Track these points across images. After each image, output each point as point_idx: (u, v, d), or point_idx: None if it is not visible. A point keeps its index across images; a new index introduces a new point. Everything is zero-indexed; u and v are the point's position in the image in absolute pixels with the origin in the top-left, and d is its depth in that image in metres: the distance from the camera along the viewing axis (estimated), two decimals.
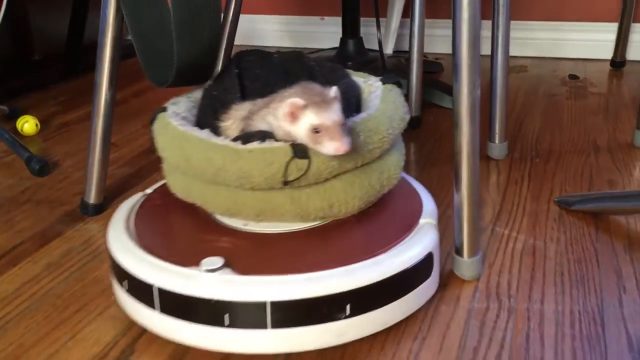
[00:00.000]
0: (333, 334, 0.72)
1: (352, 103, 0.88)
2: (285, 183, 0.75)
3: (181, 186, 0.85)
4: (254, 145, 0.76)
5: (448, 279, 0.87)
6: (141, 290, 0.75)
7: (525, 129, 1.43)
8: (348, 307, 0.72)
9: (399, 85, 0.94)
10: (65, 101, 1.70)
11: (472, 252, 0.86)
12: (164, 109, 0.89)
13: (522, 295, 0.84)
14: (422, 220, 0.84)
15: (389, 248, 0.77)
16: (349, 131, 0.75)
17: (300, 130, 0.74)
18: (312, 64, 0.99)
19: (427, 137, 1.39)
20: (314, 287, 0.70)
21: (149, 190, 0.95)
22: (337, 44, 1.85)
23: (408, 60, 1.43)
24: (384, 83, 0.93)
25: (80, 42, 1.89)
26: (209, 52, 0.98)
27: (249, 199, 0.79)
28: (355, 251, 0.77)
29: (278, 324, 0.70)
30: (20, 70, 1.75)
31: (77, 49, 1.89)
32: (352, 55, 1.80)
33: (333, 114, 0.73)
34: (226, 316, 0.70)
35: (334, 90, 0.75)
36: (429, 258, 0.79)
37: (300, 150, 0.75)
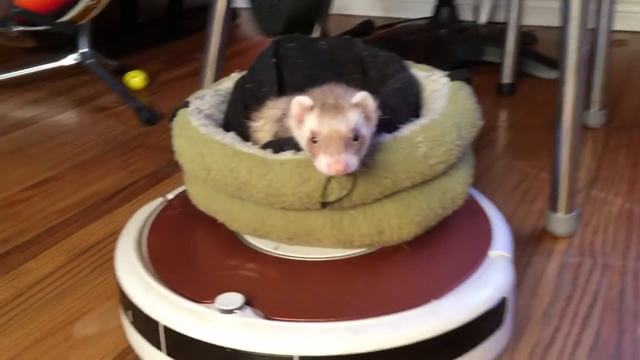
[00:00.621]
0: None
1: (410, 104, 0.72)
2: (324, 205, 0.61)
3: (203, 198, 0.72)
4: (287, 155, 0.63)
5: (541, 235, 0.89)
6: (146, 326, 0.63)
7: (623, 101, 1.38)
8: None
9: (469, 82, 0.78)
10: (166, 60, 1.81)
11: (569, 208, 0.86)
12: (186, 104, 0.75)
13: (616, 254, 0.84)
14: (492, 253, 0.68)
15: (450, 290, 0.62)
16: (359, 149, 0.58)
17: (302, 136, 0.60)
18: (364, 53, 0.84)
19: (520, 104, 1.41)
20: (354, 341, 0.56)
21: (170, 195, 0.83)
22: (429, 14, 1.79)
23: (503, 29, 1.42)
24: (451, 79, 0.77)
25: (180, 8, 2.05)
26: (314, 4, 1.07)
27: (280, 220, 0.65)
28: (408, 293, 0.63)
29: None
30: (126, 32, 1.91)
31: (177, 14, 2.05)
32: (445, 24, 1.74)
33: (336, 122, 0.57)
34: None
35: (359, 96, 0.60)
36: (501, 304, 0.64)
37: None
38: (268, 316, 0.59)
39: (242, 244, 0.71)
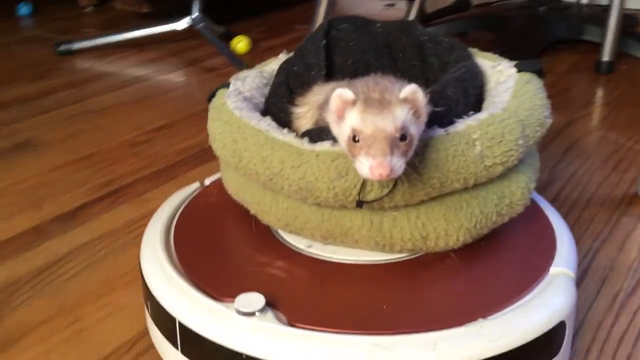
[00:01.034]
0: None
1: (470, 95, 0.65)
2: (360, 204, 0.55)
3: (235, 186, 0.68)
4: (324, 146, 0.57)
5: (632, 200, 0.91)
6: (163, 320, 0.59)
7: None
8: None
9: (541, 74, 0.70)
10: (267, 29, 1.89)
11: None
12: (227, 84, 0.71)
13: None
14: (553, 269, 0.61)
15: (499, 309, 0.55)
16: (407, 150, 0.52)
17: (342, 134, 0.53)
18: (424, 38, 0.76)
19: (618, 82, 1.39)
20: (383, 359, 0.50)
21: (207, 181, 0.79)
22: None
23: (605, 9, 1.41)
24: (519, 70, 0.69)
25: None
26: None
27: (314, 216, 0.60)
28: (451, 308, 0.56)
29: None
30: (232, 1, 1.97)
31: None
32: (545, 1, 1.67)
33: (382, 120, 0.50)
34: None
35: (408, 90, 0.53)
36: (558, 329, 0.56)
37: None
38: (291, 322, 0.54)
39: (274, 239, 0.66)
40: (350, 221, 0.59)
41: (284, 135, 0.59)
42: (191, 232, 0.68)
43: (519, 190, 0.63)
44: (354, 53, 0.76)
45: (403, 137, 0.50)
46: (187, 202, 0.74)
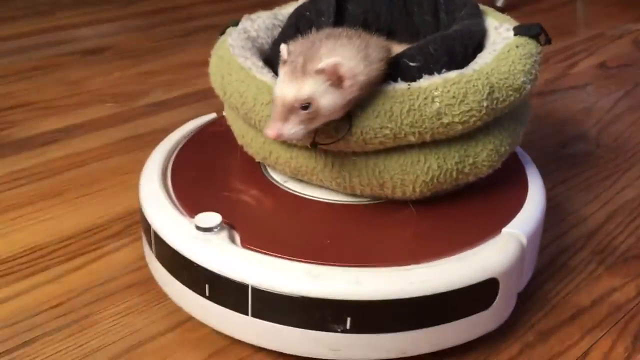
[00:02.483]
0: (326, 346, 0.59)
1: (456, 54, 0.67)
2: (314, 145, 0.61)
3: (229, 118, 0.75)
4: None
5: None
6: (144, 225, 0.68)
7: None
8: (348, 320, 0.57)
9: (539, 40, 0.70)
10: None
11: None
12: (236, 23, 0.77)
13: None
14: (506, 230, 0.64)
15: (433, 259, 0.60)
16: (311, 118, 0.56)
17: None
18: None
19: None
20: (308, 284, 0.57)
21: (224, 112, 0.86)
22: None
23: None
24: (516, 34, 0.70)
25: None
26: None
27: (285, 153, 0.66)
28: (385, 251, 0.61)
29: (257, 314, 0.59)
30: None
31: None
32: None
33: (287, 88, 0.56)
34: (206, 286, 0.60)
35: (325, 63, 0.55)
36: (487, 285, 0.60)
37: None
38: (242, 243, 0.61)
39: (257, 170, 0.73)
40: (315, 161, 0.65)
41: (263, 75, 0.65)
42: (190, 157, 0.76)
43: (484, 152, 0.65)
44: (366, 3, 0.80)
45: (305, 107, 0.55)
46: (197, 129, 0.83)
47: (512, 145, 0.68)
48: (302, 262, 0.59)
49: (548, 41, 0.73)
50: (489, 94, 0.62)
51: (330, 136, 0.60)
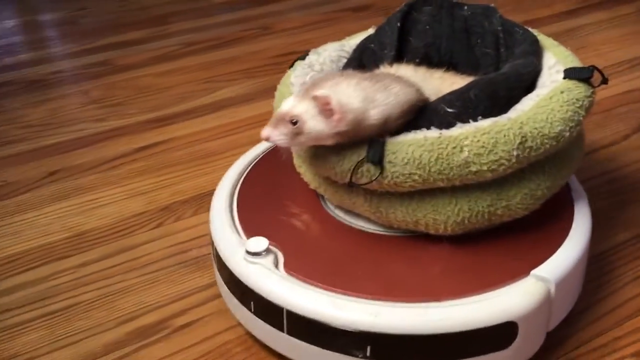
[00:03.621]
0: None
1: (499, 98, 0.70)
2: (350, 185, 0.67)
3: None
4: None
5: None
6: (211, 241, 0.79)
7: None
8: (368, 348, 0.64)
9: (590, 83, 0.71)
10: None
11: None
12: (304, 57, 0.85)
13: None
14: (535, 272, 0.67)
15: (455, 297, 0.65)
16: (296, 133, 0.64)
17: None
18: (498, 28, 0.80)
19: None
20: (332, 313, 0.64)
21: None
22: None
23: None
24: (565, 77, 0.72)
25: None
26: None
27: (330, 187, 0.74)
28: (411, 286, 0.67)
29: (291, 332, 0.67)
30: None
31: None
32: None
33: (286, 103, 0.65)
34: (252, 303, 0.70)
35: (318, 92, 0.64)
36: (505, 328, 0.64)
37: (374, 153, 0.65)
38: (286, 268, 0.70)
39: (316, 198, 0.80)
40: (355, 196, 0.71)
41: None
42: (258, 178, 0.85)
43: (518, 196, 0.68)
44: (428, 36, 0.84)
45: (293, 122, 0.64)
46: (271, 147, 0.92)
47: (551, 188, 0.71)
48: (331, 291, 0.66)
49: (604, 81, 0.73)
50: (520, 143, 0.65)
51: (365, 178, 0.66)
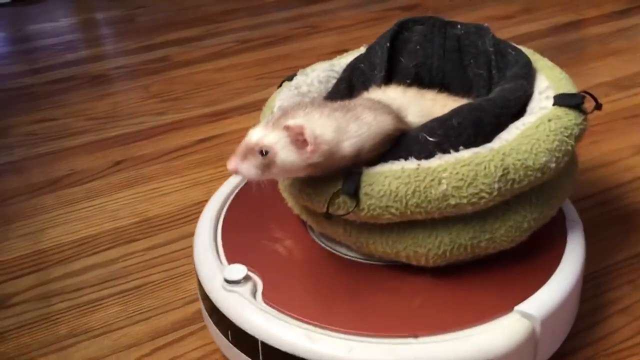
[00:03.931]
0: None
1: (484, 125, 0.68)
2: (327, 216, 0.66)
3: None
4: None
5: None
6: (196, 270, 0.78)
7: None
8: None
9: (581, 109, 0.69)
10: None
11: None
12: (291, 78, 0.84)
13: None
14: (518, 308, 0.65)
15: (433, 333, 0.63)
16: (266, 164, 0.62)
17: None
18: (490, 49, 0.78)
19: None
20: (306, 346, 0.63)
21: None
22: None
23: None
24: (555, 103, 0.69)
25: None
26: None
27: (310, 216, 0.72)
28: (388, 320, 0.65)
29: None
30: None
31: None
32: None
33: (255, 132, 0.62)
34: (229, 332, 0.69)
35: (291, 122, 0.61)
36: None
37: (349, 185, 0.64)
38: (263, 297, 0.69)
39: (301, 224, 0.79)
40: (336, 226, 0.70)
41: None
42: (245, 201, 0.85)
43: (502, 228, 0.66)
44: (419, 56, 0.82)
45: (264, 153, 0.61)
46: None
47: (539, 219, 0.68)
48: (306, 323, 0.65)
49: (597, 107, 0.71)
50: (502, 175, 0.63)
51: (342, 209, 0.65)
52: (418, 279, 0.69)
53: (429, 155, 0.65)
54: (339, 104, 0.66)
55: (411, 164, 0.64)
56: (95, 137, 1.26)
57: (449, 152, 0.65)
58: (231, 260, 0.74)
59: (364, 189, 0.64)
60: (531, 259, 0.71)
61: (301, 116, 0.63)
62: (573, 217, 0.77)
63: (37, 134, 1.28)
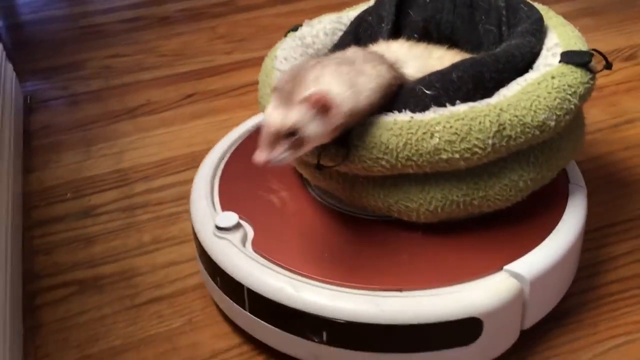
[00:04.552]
0: (308, 352, 0.66)
1: (486, 81, 0.66)
2: (319, 167, 0.66)
3: None
4: None
5: None
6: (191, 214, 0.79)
7: None
8: (324, 333, 0.63)
9: (590, 68, 0.67)
10: None
11: None
12: (296, 28, 0.83)
13: None
14: (508, 268, 0.64)
15: (418, 287, 0.63)
16: (298, 145, 0.59)
17: None
18: (501, 4, 0.76)
19: None
20: (289, 295, 0.64)
21: None
22: None
23: None
24: (561, 60, 0.67)
25: None
26: None
27: (308, 169, 0.72)
28: (378, 273, 0.65)
29: (253, 310, 0.67)
30: None
31: None
32: None
33: (274, 116, 0.59)
34: (218, 278, 0.70)
35: (310, 92, 0.58)
36: (467, 323, 0.62)
37: (341, 135, 0.63)
38: (253, 245, 0.70)
39: (298, 175, 0.79)
40: (329, 178, 0.70)
41: None
42: (246, 153, 0.85)
43: (497, 186, 0.65)
44: (428, 10, 0.80)
45: (292, 134, 0.58)
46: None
47: (537, 180, 0.67)
48: (292, 272, 0.66)
49: (608, 66, 0.69)
50: (497, 131, 0.62)
51: (333, 160, 0.65)
52: (409, 235, 0.69)
53: (424, 108, 0.64)
54: (336, 58, 0.65)
55: (404, 116, 0.63)
56: (167, 72, 1.32)
57: (446, 106, 0.64)
58: (225, 208, 0.74)
59: (355, 140, 0.63)
60: (528, 221, 0.70)
61: (312, 81, 0.60)
62: (577, 180, 0.76)
63: (112, 67, 1.36)
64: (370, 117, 0.64)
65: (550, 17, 0.76)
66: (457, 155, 0.62)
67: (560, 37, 0.72)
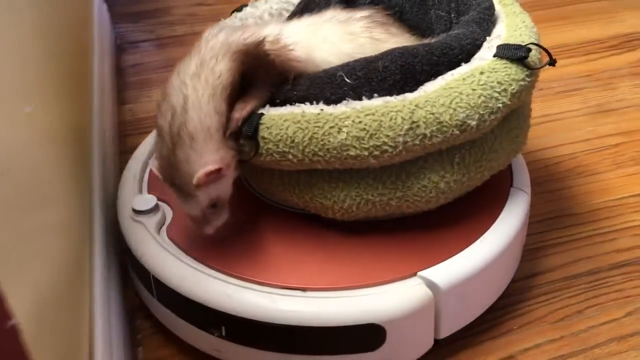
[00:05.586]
0: (209, 345, 0.65)
1: (416, 73, 0.62)
2: (241, 161, 0.64)
3: None
4: None
5: None
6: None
7: None
8: (223, 327, 0.62)
9: (526, 64, 0.62)
10: None
11: None
12: (241, 8, 0.80)
13: None
14: (422, 273, 0.62)
15: (323, 289, 0.61)
16: (220, 210, 0.62)
17: None
18: None
19: None
20: (190, 286, 0.63)
21: None
22: None
23: None
24: (495, 55, 0.63)
25: None
26: None
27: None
28: (277, 270, 0.64)
29: (160, 299, 0.67)
30: None
31: None
32: None
33: (187, 209, 0.62)
34: (129, 261, 0.70)
35: (196, 179, 0.57)
36: (369, 329, 0.60)
37: (248, 126, 0.61)
38: (168, 232, 0.69)
39: None
40: (251, 171, 0.68)
41: None
42: None
43: (415, 187, 0.62)
44: None
45: (212, 206, 0.60)
46: None
47: (462, 182, 0.64)
48: (197, 262, 0.65)
49: (551, 63, 0.65)
50: (409, 129, 0.59)
51: (246, 155, 0.63)
52: (328, 233, 0.67)
53: (340, 98, 0.61)
54: (171, 106, 0.60)
55: (314, 108, 0.61)
56: None
57: (361, 99, 0.61)
58: (152, 192, 0.74)
59: (262, 132, 0.61)
60: (456, 225, 0.67)
61: (185, 165, 0.58)
62: (520, 184, 0.72)
63: (197, 15, 1.41)
64: (280, 107, 0.62)
65: (506, 5, 0.72)
66: (365, 152, 0.59)
67: (507, 27, 0.68)
